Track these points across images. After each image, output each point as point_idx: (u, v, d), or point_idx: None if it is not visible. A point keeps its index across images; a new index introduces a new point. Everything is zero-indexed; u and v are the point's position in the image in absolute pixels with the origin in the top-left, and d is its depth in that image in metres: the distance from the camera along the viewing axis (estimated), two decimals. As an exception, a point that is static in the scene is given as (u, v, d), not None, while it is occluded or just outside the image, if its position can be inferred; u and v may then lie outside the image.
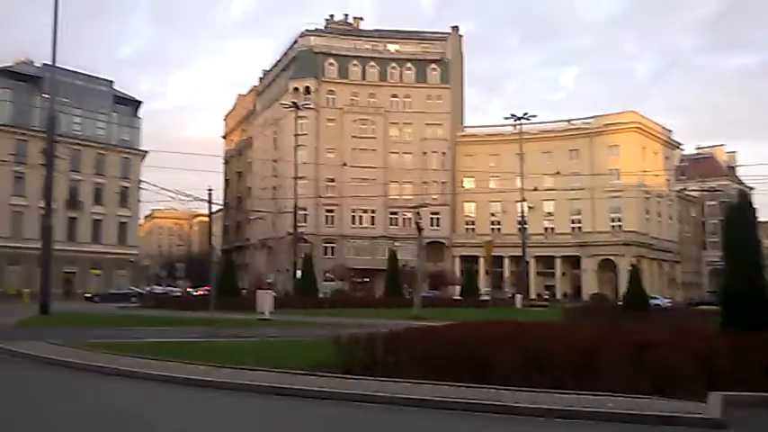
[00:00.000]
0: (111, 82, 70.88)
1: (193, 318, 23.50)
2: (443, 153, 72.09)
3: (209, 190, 43.33)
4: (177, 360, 10.51)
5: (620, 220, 68.14)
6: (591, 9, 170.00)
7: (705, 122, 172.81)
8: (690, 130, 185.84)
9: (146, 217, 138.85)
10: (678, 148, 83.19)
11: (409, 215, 65.57)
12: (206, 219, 52.84)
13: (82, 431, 6.66)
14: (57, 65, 29.78)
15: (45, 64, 55.56)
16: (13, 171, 59.58)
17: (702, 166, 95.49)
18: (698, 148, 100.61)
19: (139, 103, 73.96)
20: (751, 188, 61.60)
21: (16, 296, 48.53)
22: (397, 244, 62.00)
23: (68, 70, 59.23)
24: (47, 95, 49.45)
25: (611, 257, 64.05)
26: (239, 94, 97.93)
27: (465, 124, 79.34)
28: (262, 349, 12.44)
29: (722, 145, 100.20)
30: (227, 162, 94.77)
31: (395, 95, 73.58)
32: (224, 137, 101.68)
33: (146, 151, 69.99)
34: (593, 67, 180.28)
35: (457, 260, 69.31)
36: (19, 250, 55.40)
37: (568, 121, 73.11)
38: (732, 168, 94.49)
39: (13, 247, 56.91)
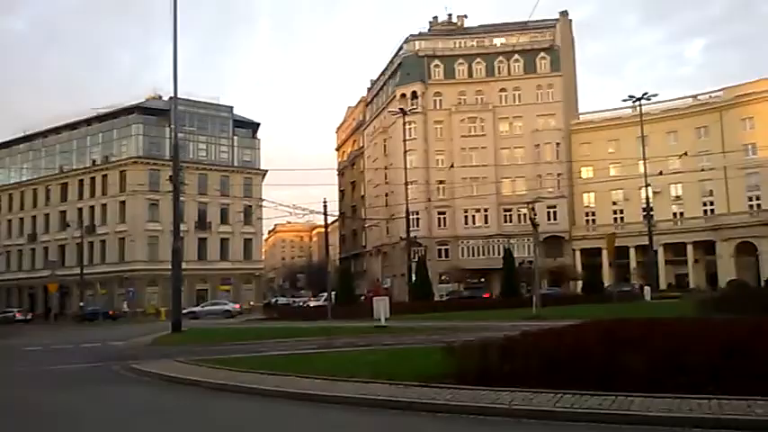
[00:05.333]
0: (231, 108, 74.69)
1: (312, 327, 24.07)
2: (557, 144, 69.03)
3: (324, 202, 44.41)
4: (293, 374, 10.62)
5: (758, 199, 62.14)
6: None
7: None
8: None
9: (269, 232, 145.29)
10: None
11: (524, 211, 62.98)
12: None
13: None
14: (181, 97, 31.50)
15: (171, 97, 59.62)
16: (148, 199, 64.37)
17: None
18: None
19: (257, 125, 77.58)
20: None
21: (155, 315, 52.33)
22: (512, 242, 60.77)
23: (191, 101, 63.43)
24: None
25: (750, 240, 58.62)
26: (349, 107, 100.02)
27: (579, 112, 75.98)
28: (376, 359, 12.33)
29: None
30: (341, 174, 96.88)
31: (503, 89, 71.44)
32: (337, 149, 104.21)
33: (265, 171, 73.41)
34: (723, 36, 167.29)
35: (578, 254, 66.25)
36: (156, 272, 59.77)
37: (694, 96, 67.78)
38: None
39: (150, 269, 61.54)
